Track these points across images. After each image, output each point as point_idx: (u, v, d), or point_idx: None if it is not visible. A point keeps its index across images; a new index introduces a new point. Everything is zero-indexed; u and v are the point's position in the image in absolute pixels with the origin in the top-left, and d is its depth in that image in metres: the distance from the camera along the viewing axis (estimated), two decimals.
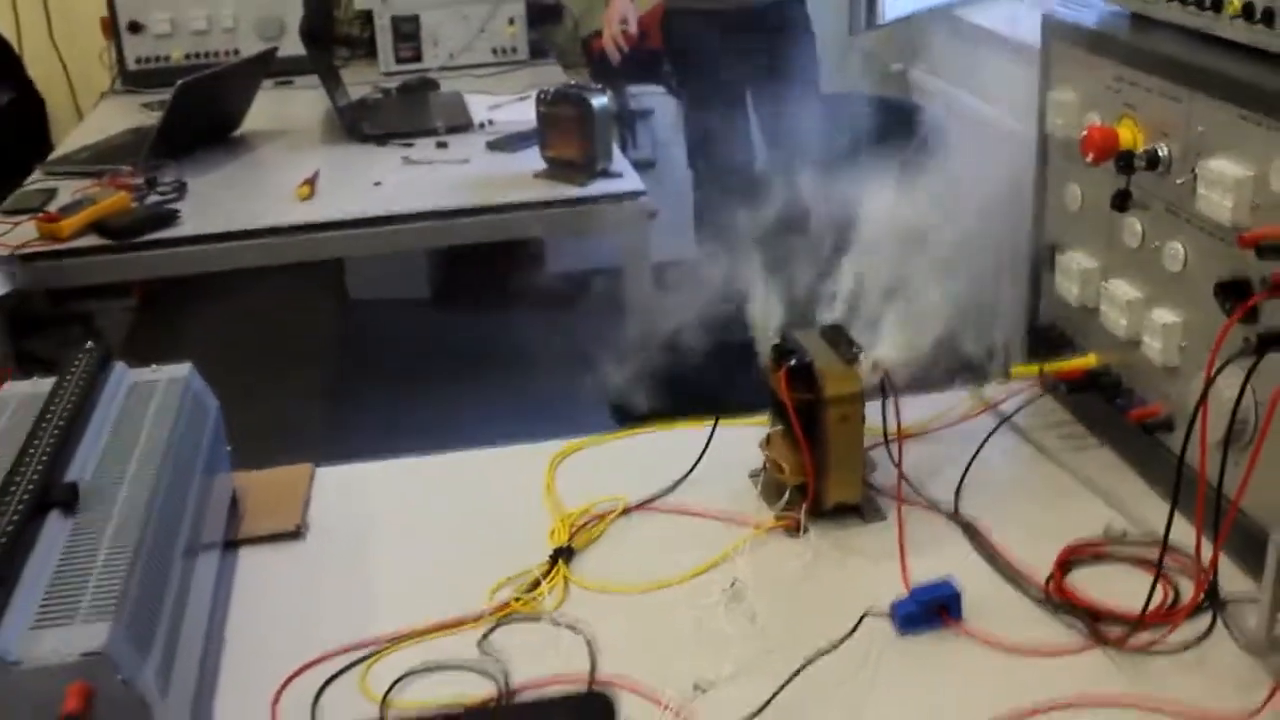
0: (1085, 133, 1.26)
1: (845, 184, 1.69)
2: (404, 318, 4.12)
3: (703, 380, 1.58)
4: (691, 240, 3.74)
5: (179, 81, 2.79)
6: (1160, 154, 1.20)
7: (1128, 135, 1.24)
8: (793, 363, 1.25)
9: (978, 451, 1.36)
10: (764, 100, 3.40)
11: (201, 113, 2.94)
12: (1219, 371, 1.05)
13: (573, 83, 2.90)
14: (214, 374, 1.36)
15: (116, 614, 0.94)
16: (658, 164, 4.19)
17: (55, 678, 0.89)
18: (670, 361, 2.03)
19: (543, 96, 2.56)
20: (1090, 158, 1.25)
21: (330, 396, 3.58)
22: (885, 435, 1.30)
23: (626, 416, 1.65)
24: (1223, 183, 1.10)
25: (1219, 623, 1.10)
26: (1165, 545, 1.09)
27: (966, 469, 1.34)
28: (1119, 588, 1.14)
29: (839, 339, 1.29)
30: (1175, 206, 1.20)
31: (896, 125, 3.09)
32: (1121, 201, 1.24)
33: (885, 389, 1.27)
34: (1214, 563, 1.10)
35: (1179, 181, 1.18)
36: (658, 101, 4.08)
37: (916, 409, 1.44)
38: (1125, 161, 1.21)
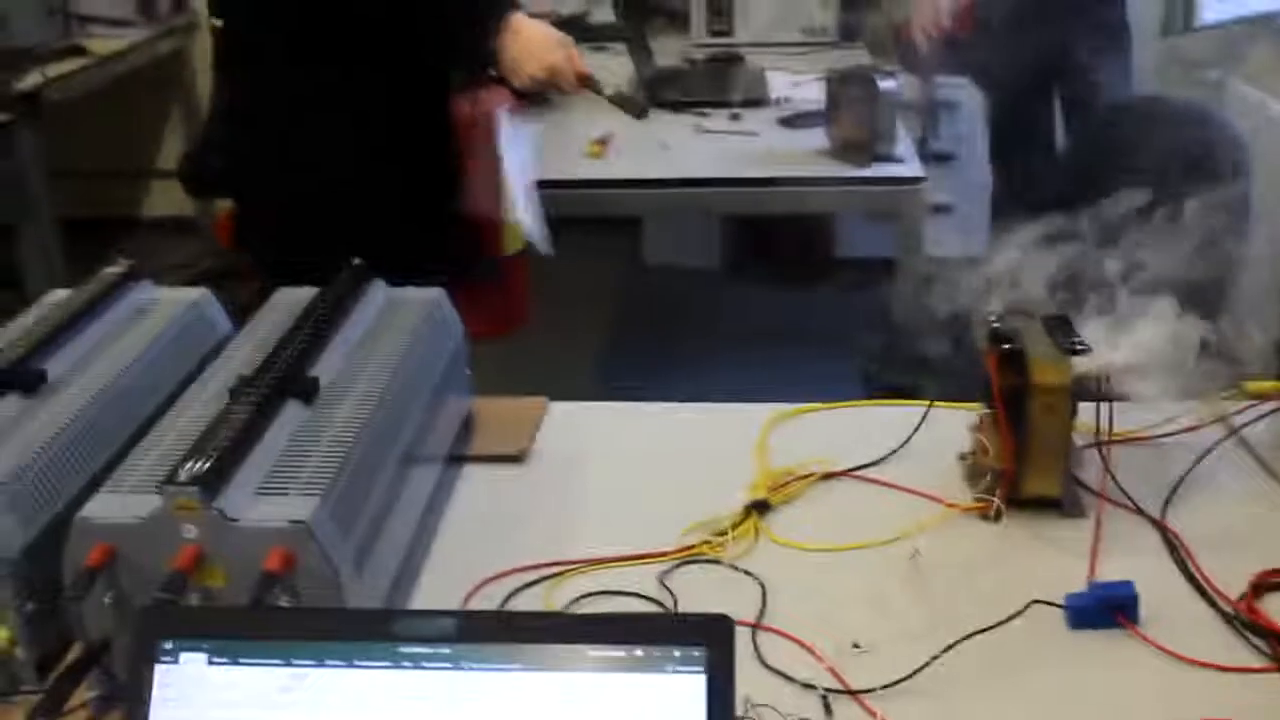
0: None
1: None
2: (693, 285, 4.22)
3: (952, 368, 1.59)
4: (986, 237, 3.69)
5: None
6: None
7: None
8: (1005, 347, 1.25)
9: (1197, 462, 1.33)
10: (1072, 98, 3.32)
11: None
12: None
13: (868, 65, 2.91)
14: None
15: (326, 493, 1.04)
16: (960, 158, 4.15)
17: (264, 539, 0.99)
18: (927, 348, 2.04)
19: (833, 75, 2.58)
20: None
21: (609, 348, 3.71)
22: (1097, 433, 1.28)
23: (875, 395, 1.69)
24: None
25: None
26: None
27: (1181, 478, 1.31)
28: None
29: (1059, 329, 1.28)
30: None
31: (1196, 134, 2.98)
32: None
33: (1101, 387, 1.25)
34: None
35: None
36: (965, 94, 4.04)
37: (1142, 414, 1.41)
38: None
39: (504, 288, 2.21)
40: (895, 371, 2.25)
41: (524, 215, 2.12)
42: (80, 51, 4.13)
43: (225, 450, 1.05)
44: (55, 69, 3.90)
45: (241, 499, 1.02)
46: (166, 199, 5.09)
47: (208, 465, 1.02)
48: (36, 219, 3.79)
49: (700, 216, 3.97)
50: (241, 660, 0.82)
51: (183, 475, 1.01)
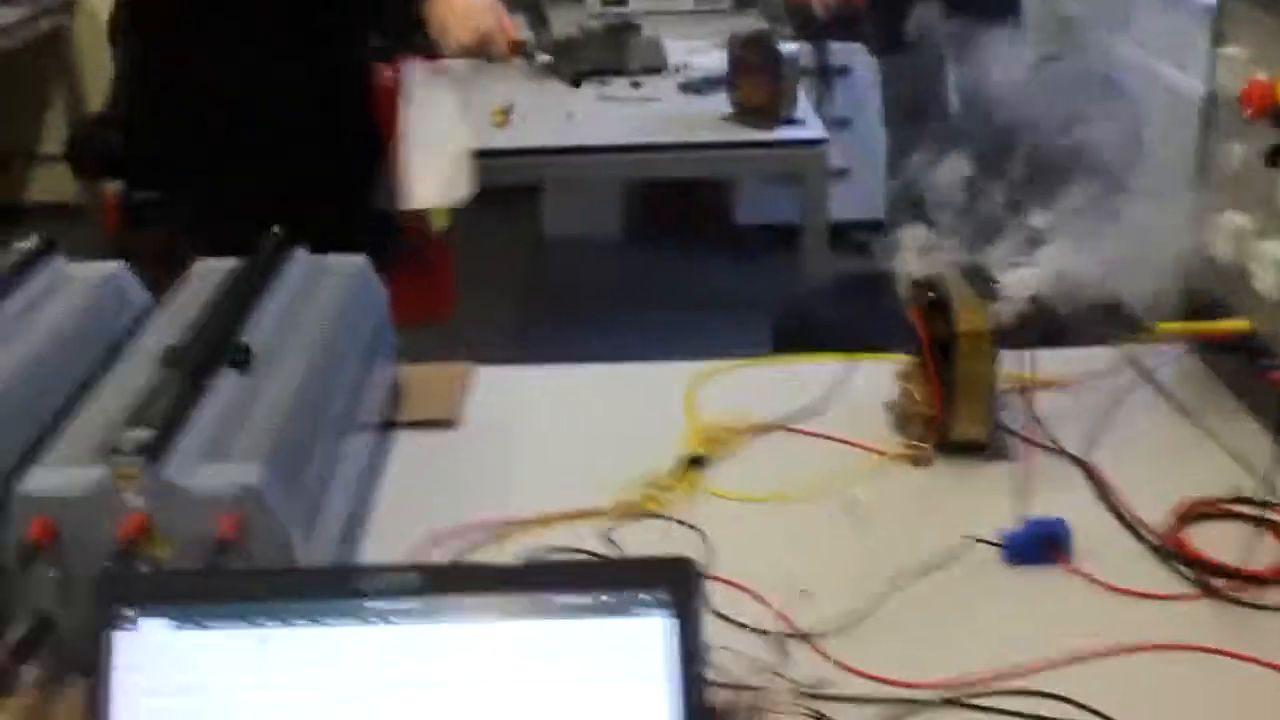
0: (1246, 88, 1.26)
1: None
2: (594, 255, 4.23)
3: (862, 328, 1.62)
4: (881, 202, 3.75)
5: None
6: None
7: None
8: (929, 296, 1.28)
9: (1114, 404, 1.37)
10: (962, 60, 3.37)
11: None
12: None
13: (768, 30, 2.93)
14: None
15: (270, 458, 1.03)
16: (855, 123, 4.20)
17: (213, 506, 0.98)
18: (833, 307, 2.08)
19: (735, 40, 2.60)
20: (1249, 113, 1.25)
21: (517, 318, 3.70)
22: (1020, 379, 1.32)
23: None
24: None
25: None
26: None
27: (1100, 419, 1.36)
28: (1237, 545, 1.14)
29: (979, 277, 1.32)
30: None
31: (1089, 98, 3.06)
32: (1275, 157, 1.23)
33: (1022, 329, 1.28)
34: None
35: None
36: (859, 60, 4.09)
37: (1059, 361, 1.45)
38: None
39: (430, 271, 2.18)
40: (806, 331, 2.29)
41: (432, 180, 2.09)
42: None
43: (166, 418, 1.04)
44: None
45: (186, 466, 1.01)
46: (49, 184, 4.97)
47: (150, 433, 1.01)
48: None
49: (601, 186, 3.97)
50: (206, 624, 0.82)
51: (125, 444, 0.99)
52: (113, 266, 1.44)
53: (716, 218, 4.12)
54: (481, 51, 1.99)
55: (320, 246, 1.42)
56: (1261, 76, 1.30)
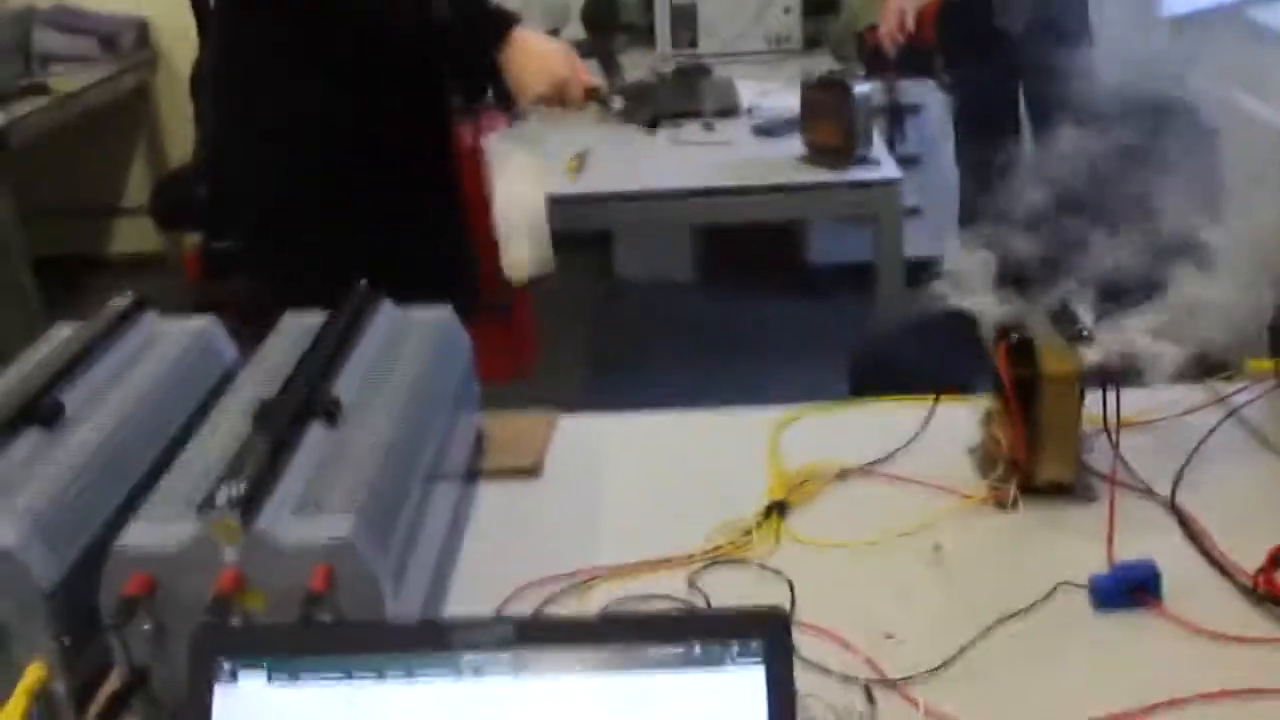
0: None
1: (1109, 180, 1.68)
2: (667, 298, 4.24)
3: (941, 368, 1.62)
4: (955, 238, 3.72)
5: None
6: None
7: None
8: (1013, 338, 1.27)
9: (1202, 442, 1.36)
10: (1036, 99, 3.37)
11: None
12: None
13: (839, 70, 2.94)
14: None
15: (362, 510, 1.05)
16: (926, 161, 4.19)
17: (306, 558, 1.00)
18: (910, 348, 2.07)
19: (806, 81, 2.61)
20: None
21: (589, 364, 3.72)
22: (1104, 418, 1.31)
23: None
24: None
25: None
26: None
27: (1189, 458, 1.34)
28: None
29: (1065, 319, 1.31)
30: None
31: (1169, 125, 3.03)
32: None
33: (1108, 373, 1.28)
34: None
35: None
36: (930, 98, 4.08)
37: (1145, 399, 1.44)
38: None
39: (512, 326, 2.19)
40: (883, 372, 2.28)
41: (520, 241, 2.11)
42: (43, 90, 4.12)
43: (259, 472, 1.06)
44: (18, 108, 3.89)
45: (278, 520, 1.03)
46: (132, 235, 5.08)
47: (244, 487, 1.03)
48: (7, 259, 3.78)
49: (674, 230, 3.99)
50: (302, 677, 0.83)
51: (220, 499, 1.02)
52: (202, 322, 1.47)
53: (790, 259, 4.12)
54: (557, 100, 1.99)
55: (402, 302, 1.45)
56: None
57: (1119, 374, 1.28)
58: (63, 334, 1.41)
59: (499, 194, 2.13)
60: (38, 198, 4.34)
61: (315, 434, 1.17)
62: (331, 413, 1.20)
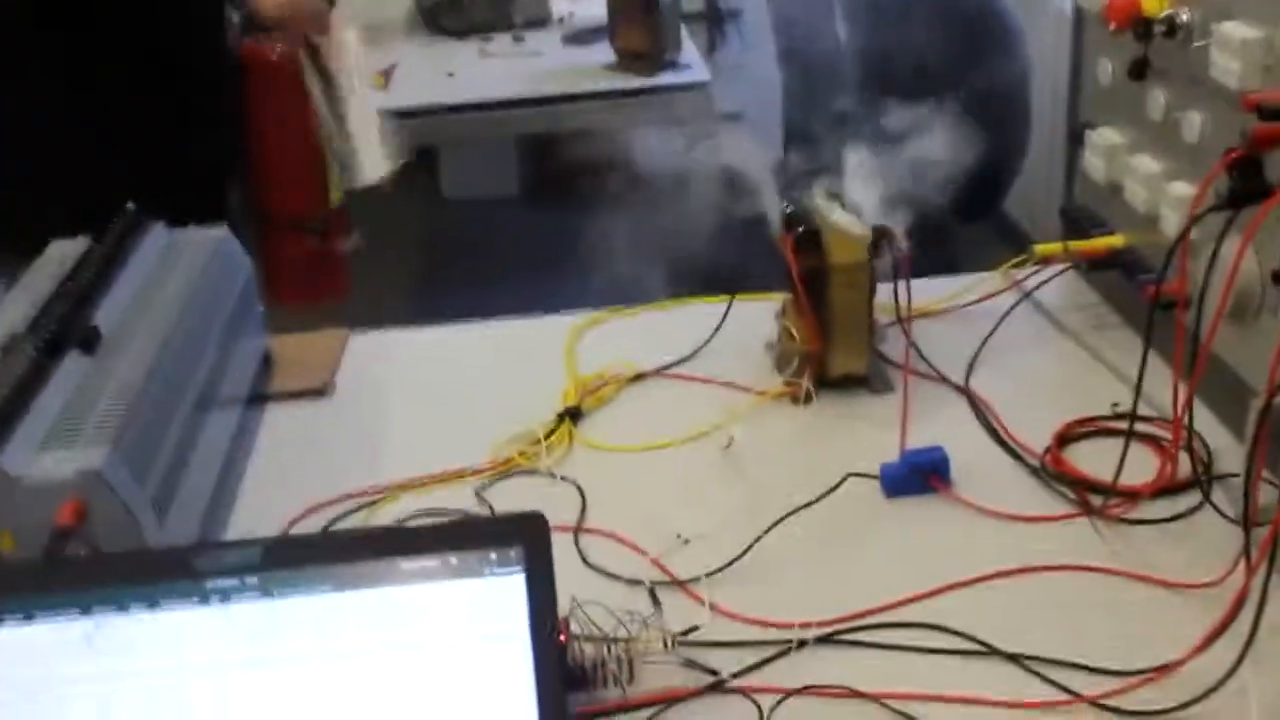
0: (1109, 1, 1.24)
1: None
2: (492, 214, 4.17)
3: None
4: (779, 142, 3.72)
5: None
6: (1180, 20, 1.17)
7: (1151, 1, 1.22)
8: (800, 230, 1.25)
9: (995, 328, 1.36)
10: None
11: None
12: (1194, 223, 1.04)
13: None
14: None
15: (115, 440, 0.99)
16: (749, 66, 4.16)
17: (53, 494, 0.94)
18: (722, 249, 2.04)
19: None
20: (1113, 25, 1.23)
21: (419, 282, 3.65)
22: (896, 307, 1.30)
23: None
24: (1232, 45, 1.08)
25: (1211, 497, 1.09)
26: (1177, 422, 1.08)
27: (982, 344, 1.34)
28: (1116, 462, 1.13)
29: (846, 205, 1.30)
30: (1194, 75, 1.18)
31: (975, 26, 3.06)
32: (1139, 70, 1.22)
33: (894, 257, 1.26)
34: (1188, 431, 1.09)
35: (1196, 45, 1.15)
36: (750, 1, 4.04)
37: (940, 287, 1.44)
38: (1143, 27, 1.19)
39: (326, 247, 2.11)
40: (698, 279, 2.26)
41: (371, 144, 2.05)
42: None
43: (7, 404, 0.99)
44: None
45: (24, 455, 0.97)
46: None
47: None
48: None
49: (492, 145, 3.91)
50: (37, 615, 0.78)
51: None
52: None
53: (614, 169, 4.06)
54: (294, 22, 1.96)
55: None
56: None
57: (909, 261, 1.27)
58: None
59: (339, 105, 2.05)
60: None
61: (71, 364, 1.10)
62: (89, 341, 1.13)
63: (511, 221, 4.12)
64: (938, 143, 2.06)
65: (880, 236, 1.25)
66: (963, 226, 3.39)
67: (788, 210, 1.30)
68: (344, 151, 2.14)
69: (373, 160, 2.12)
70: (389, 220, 3.94)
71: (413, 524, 1.11)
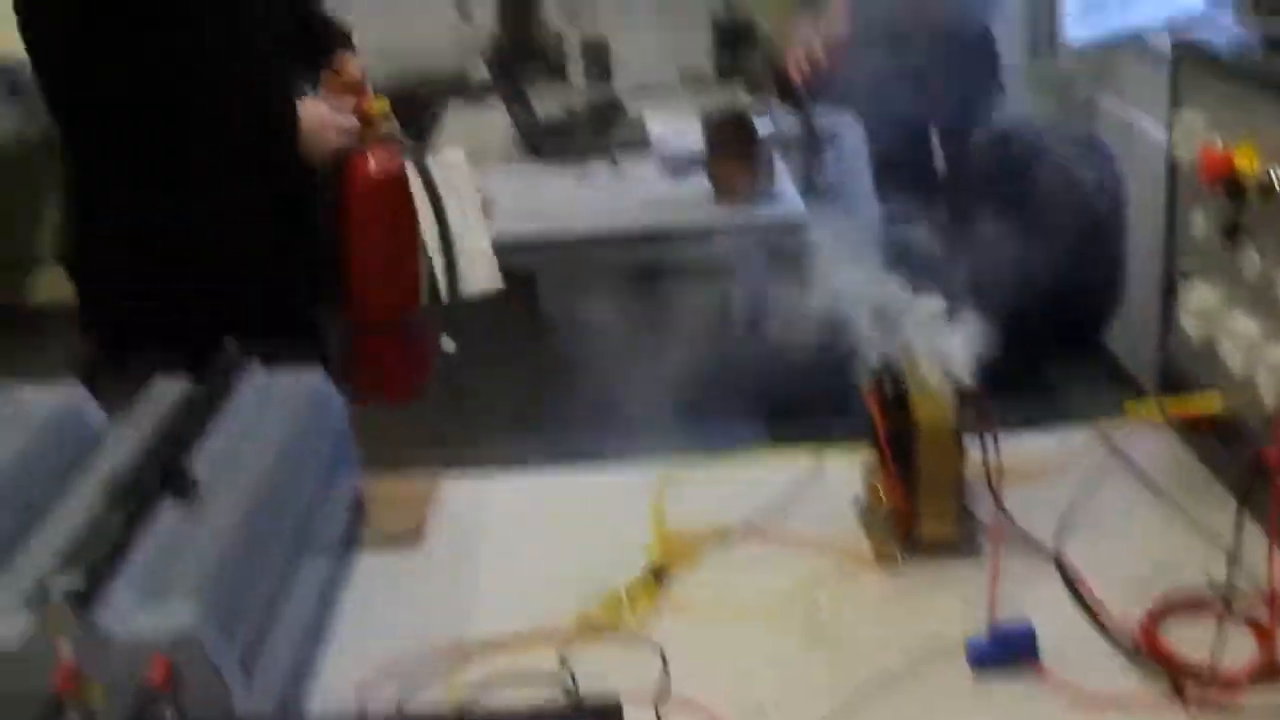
0: (1201, 155, 1.24)
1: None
2: (590, 340, 4.19)
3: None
4: (878, 269, 3.71)
5: None
6: (1275, 179, 1.16)
7: (1245, 161, 1.21)
8: (885, 387, 1.25)
9: (1089, 489, 1.34)
10: (945, 127, 3.38)
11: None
12: None
13: (743, 105, 2.92)
14: None
15: (208, 598, 1.00)
16: (848, 191, 4.18)
17: (145, 652, 0.96)
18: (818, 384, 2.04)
19: (708, 120, 2.59)
20: (1205, 182, 1.23)
21: (510, 405, 3.67)
22: (986, 470, 1.28)
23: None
24: None
25: None
26: (1275, 603, 1.05)
27: (1074, 507, 1.32)
28: (1212, 641, 1.10)
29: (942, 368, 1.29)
30: None
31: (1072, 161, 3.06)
32: (1231, 230, 1.21)
33: (983, 419, 1.25)
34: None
35: None
36: (847, 127, 4.07)
37: (1032, 443, 1.42)
38: (1235, 187, 1.18)
39: (411, 347, 2.18)
40: (796, 416, 2.26)
41: (475, 254, 2.12)
42: None
43: (100, 558, 1.01)
44: None
45: (117, 610, 0.99)
46: (49, 285, 4.98)
47: (80, 577, 0.98)
48: None
49: (586, 272, 3.96)
50: None
51: (55, 590, 0.97)
52: (67, 391, 1.42)
53: (710, 300, 4.09)
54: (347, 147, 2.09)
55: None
56: (1216, 144, 1.28)
57: (995, 421, 1.26)
58: None
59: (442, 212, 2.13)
60: None
61: (167, 512, 1.12)
62: (184, 489, 1.15)
63: (607, 348, 4.14)
64: (1036, 273, 2.09)
65: (968, 396, 1.24)
66: (1063, 361, 3.37)
67: (874, 364, 1.29)
68: (443, 262, 2.20)
69: (476, 274, 2.16)
70: (486, 339, 4.00)
71: (487, 707, 1.10)
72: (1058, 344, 3.03)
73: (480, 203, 2.15)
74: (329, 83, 2.21)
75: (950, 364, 1.29)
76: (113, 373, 2.09)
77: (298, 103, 2.09)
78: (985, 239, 2.69)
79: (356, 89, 2.21)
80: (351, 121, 2.13)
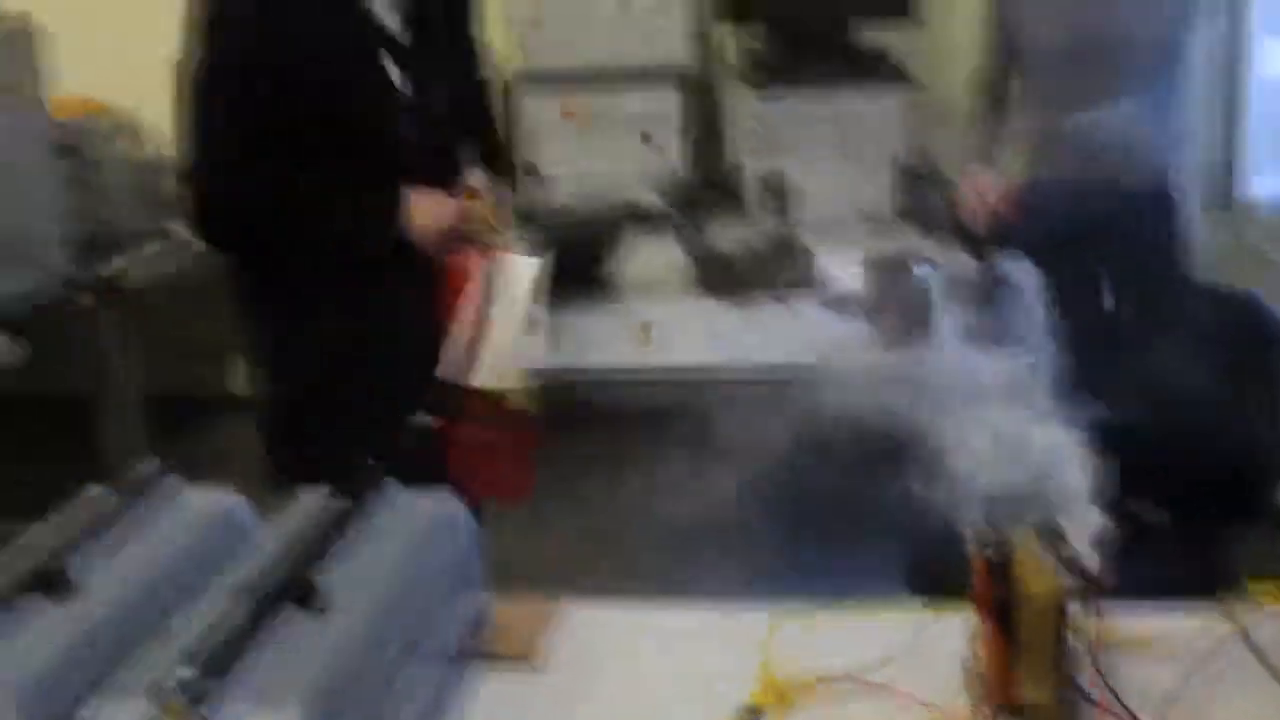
0: None
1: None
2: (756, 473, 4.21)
3: None
4: (1053, 418, 3.67)
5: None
6: None
7: None
8: (991, 554, 1.26)
9: (1202, 668, 1.32)
10: (1124, 284, 3.35)
11: (571, 255, 3.17)
12: None
13: (907, 251, 2.95)
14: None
15: (314, 704, 1.07)
16: (1023, 336, 4.15)
17: None
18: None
19: (870, 262, 2.63)
20: None
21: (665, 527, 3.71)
22: (1089, 637, 1.28)
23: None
24: None
25: None
26: None
27: (1185, 685, 1.31)
28: None
29: (1052, 536, 1.30)
30: None
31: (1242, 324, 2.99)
32: None
33: (1090, 590, 1.25)
34: None
35: None
36: (1024, 273, 4.05)
37: (1143, 615, 1.41)
38: None
39: (514, 450, 2.25)
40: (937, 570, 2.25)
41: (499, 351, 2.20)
42: (164, 235, 4.31)
43: (218, 658, 1.09)
44: (139, 253, 4.07)
45: (230, 709, 1.06)
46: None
47: (197, 672, 1.06)
48: (115, 396, 3.93)
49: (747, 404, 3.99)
50: None
51: (171, 682, 1.05)
52: (225, 495, 1.52)
53: (868, 443, 4.08)
54: (457, 239, 2.19)
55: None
56: None
57: (1103, 590, 1.26)
58: (90, 495, 1.47)
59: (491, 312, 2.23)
60: (152, 337, 4.49)
61: (290, 618, 1.20)
62: (309, 599, 1.23)
63: (759, 481, 4.15)
64: (1204, 424, 2.04)
65: (1076, 565, 1.25)
66: (1233, 520, 3.27)
67: (982, 527, 1.31)
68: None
69: (491, 370, 2.22)
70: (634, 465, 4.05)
71: None
72: (1224, 500, 2.94)
73: (526, 311, 2.22)
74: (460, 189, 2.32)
75: (1082, 515, 1.30)
76: (278, 471, 2.24)
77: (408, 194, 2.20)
78: (1154, 388, 2.65)
79: (475, 195, 2.31)
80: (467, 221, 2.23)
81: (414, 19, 2.23)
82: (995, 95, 3.51)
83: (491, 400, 2.16)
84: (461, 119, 2.36)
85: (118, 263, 3.94)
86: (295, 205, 2.17)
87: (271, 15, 2.11)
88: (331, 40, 2.15)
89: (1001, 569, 1.25)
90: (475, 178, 2.34)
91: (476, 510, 1.53)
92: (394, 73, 2.20)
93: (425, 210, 2.19)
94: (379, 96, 2.19)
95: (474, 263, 2.20)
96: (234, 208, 2.19)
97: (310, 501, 1.45)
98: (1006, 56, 3.41)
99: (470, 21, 2.42)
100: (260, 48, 2.11)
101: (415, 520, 1.43)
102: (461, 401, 2.15)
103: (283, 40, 2.11)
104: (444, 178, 2.26)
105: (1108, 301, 3.44)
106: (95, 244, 3.94)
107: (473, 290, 2.17)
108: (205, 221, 2.20)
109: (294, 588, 1.23)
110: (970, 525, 1.32)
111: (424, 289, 2.18)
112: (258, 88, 2.10)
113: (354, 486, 1.44)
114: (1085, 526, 1.33)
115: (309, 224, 2.18)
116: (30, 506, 1.50)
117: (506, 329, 2.17)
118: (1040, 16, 3.28)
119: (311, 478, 1.50)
